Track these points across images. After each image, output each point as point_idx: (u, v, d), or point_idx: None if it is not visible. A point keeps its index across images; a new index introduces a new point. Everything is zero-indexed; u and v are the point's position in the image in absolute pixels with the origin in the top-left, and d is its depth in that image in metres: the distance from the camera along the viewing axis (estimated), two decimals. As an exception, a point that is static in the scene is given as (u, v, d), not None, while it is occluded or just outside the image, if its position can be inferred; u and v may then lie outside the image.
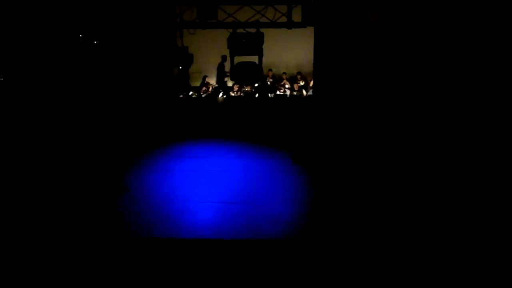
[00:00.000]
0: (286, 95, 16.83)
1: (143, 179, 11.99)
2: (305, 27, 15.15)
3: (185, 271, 8.07)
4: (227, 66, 15.81)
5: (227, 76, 15.99)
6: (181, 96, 16.99)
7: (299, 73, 17.44)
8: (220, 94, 16.29)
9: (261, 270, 8.17)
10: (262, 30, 15.18)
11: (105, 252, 8.58)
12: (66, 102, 14.04)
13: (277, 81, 17.69)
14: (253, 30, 15.17)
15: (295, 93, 17.12)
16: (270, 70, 16.68)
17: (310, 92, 16.89)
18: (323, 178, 11.87)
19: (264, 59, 15.55)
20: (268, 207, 10.39)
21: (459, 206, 10.02)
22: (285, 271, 8.15)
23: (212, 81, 17.36)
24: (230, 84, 16.72)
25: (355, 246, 8.88)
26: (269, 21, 15.24)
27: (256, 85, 16.93)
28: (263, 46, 15.26)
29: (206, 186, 11.43)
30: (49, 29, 13.47)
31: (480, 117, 11.02)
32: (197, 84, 17.43)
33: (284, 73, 16.89)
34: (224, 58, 15.55)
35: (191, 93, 17.25)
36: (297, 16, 15.19)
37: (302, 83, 17.27)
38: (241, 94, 17.10)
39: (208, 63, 16.36)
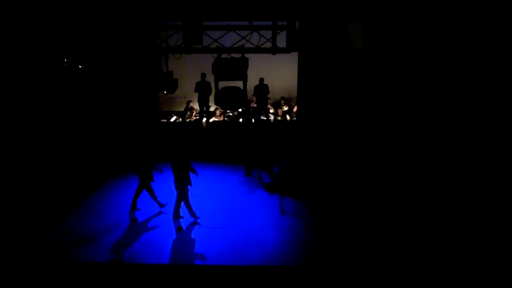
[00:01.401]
0: (270, 120, 16.86)
1: (124, 202, 11.88)
2: (290, 52, 15.29)
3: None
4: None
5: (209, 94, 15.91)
6: (165, 120, 16.96)
7: (283, 98, 17.49)
8: (204, 120, 16.28)
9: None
10: (246, 55, 15.29)
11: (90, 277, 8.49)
12: (51, 124, 13.96)
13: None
14: (238, 55, 15.28)
15: (279, 118, 17.16)
16: (254, 95, 16.72)
17: (294, 117, 16.95)
18: (305, 205, 11.89)
19: (248, 85, 15.65)
20: (253, 233, 10.38)
21: (448, 213, 10.12)
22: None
23: (196, 105, 17.33)
24: (213, 108, 16.73)
25: (343, 270, 8.89)
26: (254, 46, 15.37)
27: (240, 110, 16.97)
28: (248, 71, 15.37)
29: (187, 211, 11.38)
30: (34, 53, 13.42)
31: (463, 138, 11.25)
32: (181, 108, 17.39)
33: (268, 98, 16.93)
34: (203, 76, 15.56)
35: (174, 117, 17.21)
36: (281, 42, 15.34)
37: (286, 108, 17.33)
38: (225, 118, 17.11)
39: (193, 88, 16.34)
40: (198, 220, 10.76)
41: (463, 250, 9.04)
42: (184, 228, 10.50)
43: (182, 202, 10.62)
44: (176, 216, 10.73)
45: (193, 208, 10.78)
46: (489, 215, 9.94)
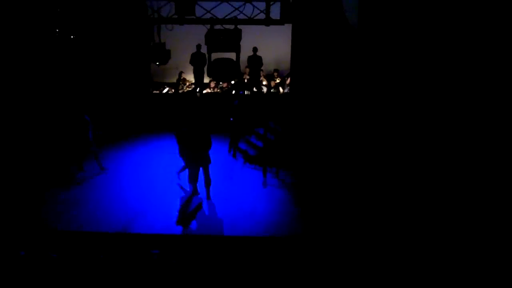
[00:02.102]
0: (263, 92, 16.84)
1: (119, 172, 11.95)
2: (283, 24, 15.21)
3: (162, 266, 8.05)
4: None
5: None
6: (157, 92, 16.90)
7: (276, 70, 17.45)
8: (198, 90, 16.23)
9: (240, 267, 8.21)
10: (240, 26, 15.20)
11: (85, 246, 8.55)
12: (42, 94, 13.91)
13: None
14: (231, 27, 15.18)
15: (272, 90, 17.14)
16: (247, 67, 16.67)
17: (286, 90, 16.93)
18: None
19: (242, 56, 15.59)
20: (243, 204, 10.48)
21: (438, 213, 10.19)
22: (263, 267, 8.20)
23: (188, 77, 17.26)
24: (206, 80, 16.66)
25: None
26: (247, 17, 15.27)
27: (233, 82, 16.93)
28: (241, 43, 15.30)
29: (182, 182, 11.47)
30: (26, 23, 13.29)
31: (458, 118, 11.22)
32: (174, 80, 17.32)
33: (262, 70, 16.88)
34: (198, 47, 15.46)
35: (167, 89, 17.15)
36: (275, 13, 15.24)
37: (278, 81, 17.30)
38: (218, 90, 17.07)
39: (185, 59, 16.26)
40: (187, 191, 10.85)
41: (461, 246, 9.11)
42: (172, 198, 10.61)
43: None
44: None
45: (186, 180, 10.86)
46: (489, 215, 9.99)
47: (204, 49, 15.58)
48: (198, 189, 10.66)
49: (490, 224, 9.42)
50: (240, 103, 13.14)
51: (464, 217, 9.75)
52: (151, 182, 11.46)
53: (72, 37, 14.03)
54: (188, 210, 10.06)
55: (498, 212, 9.66)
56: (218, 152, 11.23)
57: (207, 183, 10.60)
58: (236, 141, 13.29)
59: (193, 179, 10.51)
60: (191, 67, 16.18)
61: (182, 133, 10.41)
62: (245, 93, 16.35)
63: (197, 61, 15.86)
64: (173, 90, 16.99)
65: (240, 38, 15.18)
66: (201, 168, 10.45)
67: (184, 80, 17.42)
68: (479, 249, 8.84)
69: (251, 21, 15.27)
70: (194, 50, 15.82)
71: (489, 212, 9.68)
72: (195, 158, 10.34)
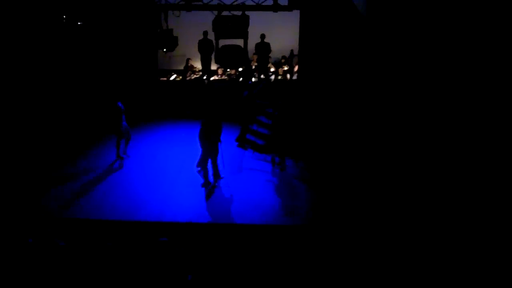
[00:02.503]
0: (271, 79, 16.74)
1: (127, 160, 11.94)
2: (291, 10, 15.06)
3: (168, 253, 8.05)
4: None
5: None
6: (164, 79, 16.84)
7: (284, 57, 17.33)
8: (205, 77, 16.15)
9: (244, 254, 8.20)
10: (247, 13, 15.06)
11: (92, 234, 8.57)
12: (50, 81, 13.91)
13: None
14: (239, 13, 15.05)
15: (279, 78, 17.03)
16: (255, 54, 16.55)
17: (294, 77, 16.82)
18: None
19: (249, 43, 15.45)
20: (251, 193, 10.46)
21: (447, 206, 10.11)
22: (268, 256, 8.19)
23: (196, 64, 17.18)
24: (214, 67, 16.57)
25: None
26: (255, 3, 15.12)
27: (240, 69, 16.83)
28: (249, 30, 15.17)
29: (188, 170, 11.45)
30: (33, 10, 13.25)
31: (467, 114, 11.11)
32: (181, 67, 17.24)
33: (269, 57, 16.76)
34: (205, 34, 15.33)
35: (174, 76, 17.08)
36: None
37: (286, 68, 17.19)
38: (226, 77, 16.98)
39: (193, 46, 16.15)
40: (196, 179, 10.84)
41: (461, 244, 9.06)
42: (180, 186, 10.59)
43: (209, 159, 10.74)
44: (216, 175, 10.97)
45: (189, 167, 10.96)
46: (489, 215, 9.93)
47: (211, 36, 15.45)
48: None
49: (491, 224, 9.40)
50: (249, 93, 13.05)
51: (468, 217, 9.73)
52: (160, 170, 11.45)
53: (79, 23, 13.96)
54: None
55: (498, 212, 9.64)
56: (227, 142, 11.18)
57: (216, 175, 10.79)
58: (245, 132, 13.21)
59: (205, 168, 10.60)
60: (199, 54, 16.08)
61: (204, 122, 10.46)
62: (253, 80, 16.26)
63: (204, 48, 15.74)
64: (180, 77, 16.91)
65: (248, 24, 15.02)
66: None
67: (192, 67, 17.34)
68: (481, 249, 8.81)
69: (259, 7, 15.11)
70: (202, 37, 15.71)
71: (491, 212, 9.67)
72: (211, 147, 10.42)
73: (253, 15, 15.11)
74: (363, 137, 12.89)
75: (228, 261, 7.96)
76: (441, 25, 12.26)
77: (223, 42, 15.37)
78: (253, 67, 17.02)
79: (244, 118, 13.05)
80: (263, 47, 15.97)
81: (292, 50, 16.86)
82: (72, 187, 10.52)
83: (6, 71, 13.02)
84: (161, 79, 16.69)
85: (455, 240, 8.84)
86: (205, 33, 15.55)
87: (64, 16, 13.72)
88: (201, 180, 10.77)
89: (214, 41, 15.37)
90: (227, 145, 11.50)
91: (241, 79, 16.65)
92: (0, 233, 8.27)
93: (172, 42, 15.12)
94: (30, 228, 8.54)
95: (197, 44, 15.83)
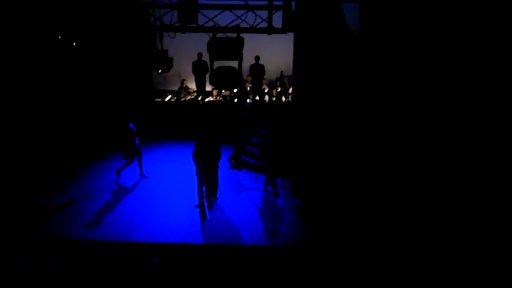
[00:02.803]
0: (265, 100, 16.84)
1: (120, 179, 11.91)
2: (286, 32, 15.21)
3: (161, 274, 8.00)
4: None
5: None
6: (159, 99, 16.90)
7: (278, 79, 17.44)
8: (200, 98, 16.22)
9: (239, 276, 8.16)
10: (242, 35, 15.20)
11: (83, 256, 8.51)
12: (43, 100, 13.90)
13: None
14: (234, 35, 15.19)
15: (274, 99, 17.13)
16: (249, 75, 16.66)
17: (289, 99, 16.92)
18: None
19: (244, 65, 15.57)
20: (245, 213, 10.44)
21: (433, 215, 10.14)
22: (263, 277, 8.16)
23: (191, 84, 17.27)
24: (209, 88, 16.66)
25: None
26: (249, 26, 15.27)
27: (235, 90, 16.92)
28: (243, 51, 15.30)
29: (182, 190, 11.45)
30: (28, 30, 13.30)
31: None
32: (176, 88, 17.32)
33: (264, 78, 16.87)
34: (199, 55, 15.43)
35: (169, 97, 17.15)
36: (277, 22, 15.25)
37: (280, 89, 17.29)
38: (220, 98, 17.06)
39: (188, 67, 16.27)
40: (190, 199, 10.81)
41: (460, 246, 9.08)
42: (174, 206, 10.58)
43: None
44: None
45: (183, 187, 10.94)
46: (489, 215, 9.97)
47: (206, 57, 15.57)
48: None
49: (490, 224, 9.44)
50: (247, 114, 13.10)
51: (464, 218, 9.76)
52: (153, 191, 11.41)
53: (74, 44, 14.03)
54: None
55: (498, 212, 9.68)
56: (221, 162, 11.18)
57: (214, 195, 10.71)
58: (239, 152, 13.21)
59: (200, 189, 10.54)
60: (194, 75, 16.19)
61: (198, 143, 10.44)
62: (248, 101, 16.35)
63: (199, 69, 15.84)
64: (175, 98, 16.98)
65: (242, 46, 15.18)
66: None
67: (187, 88, 17.42)
68: (480, 250, 8.83)
69: (253, 29, 15.27)
70: (196, 58, 15.83)
71: (489, 212, 9.71)
72: (207, 169, 10.39)
73: (247, 37, 15.27)
74: (358, 157, 12.93)
75: (221, 282, 7.93)
76: (433, 47, 12.42)
77: (218, 64, 15.50)
78: (248, 88, 17.12)
79: (240, 138, 13.08)
80: (258, 69, 16.08)
81: (282, 72, 17.01)
82: (65, 208, 10.45)
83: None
84: (156, 99, 16.75)
85: (453, 249, 8.85)
86: (200, 55, 15.67)
87: (60, 37, 13.80)
88: (196, 201, 10.74)
89: (208, 63, 15.48)
90: (221, 165, 11.48)
91: (236, 100, 16.74)
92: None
93: (167, 63, 15.23)
94: (23, 249, 8.48)
95: (191, 65, 15.94)
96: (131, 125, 11.63)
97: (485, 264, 8.38)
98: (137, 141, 11.74)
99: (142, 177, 12.12)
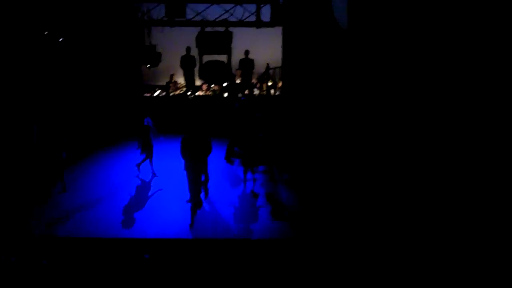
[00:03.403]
0: (255, 94, 16.82)
1: (110, 177, 11.86)
2: (274, 26, 15.20)
3: (154, 271, 7.99)
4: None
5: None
6: (148, 94, 16.82)
7: (267, 72, 17.41)
8: (189, 93, 16.16)
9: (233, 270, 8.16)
10: (230, 29, 15.17)
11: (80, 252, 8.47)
12: (31, 97, 13.77)
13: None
14: (222, 29, 15.14)
15: (263, 93, 17.11)
16: (238, 69, 16.62)
17: (278, 92, 16.91)
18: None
19: (233, 59, 15.55)
20: (236, 208, 10.44)
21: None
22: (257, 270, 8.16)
23: (180, 79, 17.20)
24: (198, 83, 16.61)
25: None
26: (237, 20, 15.24)
27: (225, 84, 16.88)
28: (232, 45, 15.27)
29: (173, 186, 11.44)
30: (13, 25, 13.16)
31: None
32: (164, 83, 17.25)
33: (253, 72, 16.83)
34: (188, 49, 15.33)
35: (158, 91, 17.07)
36: (266, 16, 15.23)
37: (270, 83, 17.27)
38: (210, 93, 17.02)
39: (176, 62, 16.20)
40: (181, 195, 10.80)
41: (460, 246, 9.12)
42: (165, 202, 10.55)
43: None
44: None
45: (175, 183, 10.91)
46: (489, 215, 10.01)
47: (194, 52, 15.51)
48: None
49: (490, 225, 9.46)
50: (240, 106, 13.05)
51: (464, 219, 9.79)
52: (143, 187, 11.39)
53: (61, 39, 13.91)
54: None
55: (498, 212, 9.71)
56: (212, 156, 11.14)
57: (205, 190, 10.66)
58: (232, 145, 13.13)
59: (192, 185, 10.45)
60: (182, 70, 16.13)
61: (185, 138, 10.34)
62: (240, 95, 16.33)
63: (187, 64, 15.77)
64: (164, 93, 16.91)
65: (231, 40, 15.16)
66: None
67: (176, 83, 17.35)
68: (480, 250, 8.86)
69: (241, 23, 15.25)
70: (185, 53, 15.75)
71: (489, 213, 9.73)
72: (195, 164, 10.29)
73: (236, 31, 15.24)
74: (347, 149, 12.96)
75: (214, 277, 7.93)
76: (422, 37, 12.43)
77: (207, 58, 15.46)
78: (237, 82, 17.10)
79: (234, 130, 12.95)
80: (247, 63, 16.05)
81: (268, 64, 17.00)
82: (54, 205, 10.39)
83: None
84: (145, 94, 16.68)
85: (454, 249, 8.90)
86: (188, 49, 15.59)
87: (46, 32, 13.68)
88: (187, 196, 10.72)
89: (197, 57, 15.43)
90: (213, 158, 11.45)
91: (225, 94, 16.70)
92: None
93: (155, 58, 15.18)
94: (13, 246, 8.43)
95: (179, 60, 15.87)
96: (148, 119, 11.68)
97: (485, 264, 8.44)
98: (151, 136, 11.73)
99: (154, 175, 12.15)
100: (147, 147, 11.64)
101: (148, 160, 11.85)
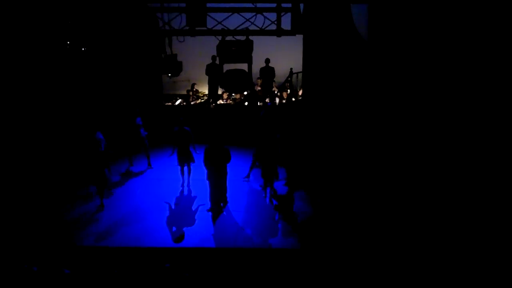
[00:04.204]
0: (275, 103, 16.76)
1: (131, 186, 11.91)
2: (295, 35, 15.14)
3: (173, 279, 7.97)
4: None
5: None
6: (169, 104, 16.87)
7: (288, 80, 17.36)
8: (211, 101, 16.17)
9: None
10: (251, 37, 15.16)
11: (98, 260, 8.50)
12: (53, 107, 13.94)
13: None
14: (243, 38, 15.14)
15: (284, 101, 17.06)
16: (259, 78, 16.60)
17: (298, 100, 16.84)
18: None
19: (253, 67, 15.52)
20: (251, 217, 10.41)
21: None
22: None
23: (201, 88, 17.25)
24: (220, 91, 16.62)
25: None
26: (258, 28, 15.22)
27: (246, 93, 16.88)
28: (253, 54, 15.25)
29: (194, 194, 11.46)
30: (37, 36, 13.35)
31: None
32: (185, 92, 17.30)
33: (274, 81, 16.82)
34: (213, 58, 15.33)
35: (179, 101, 17.13)
36: (286, 24, 15.19)
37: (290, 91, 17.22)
38: (231, 102, 17.02)
39: (197, 71, 16.25)
40: (199, 203, 10.84)
41: (461, 248, 9.02)
42: (186, 211, 10.60)
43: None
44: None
45: (195, 191, 11.27)
46: (490, 215, 9.92)
47: (217, 60, 15.56)
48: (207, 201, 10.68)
49: (494, 226, 9.41)
50: (266, 113, 12.98)
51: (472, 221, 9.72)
52: (164, 196, 11.41)
53: (83, 49, 14.06)
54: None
55: (499, 212, 9.65)
56: (233, 165, 11.11)
57: (224, 199, 10.70)
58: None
59: (212, 194, 10.51)
60: (203, 79, 16.17)
61: (208, 148, 10.40)
62: (258, 104, 16.29)
63: (212, 72, 15.79)
64: (185, 103, 16.95)
65: (251, 49, 15.14)
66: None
67: (197, 91, 17.40)
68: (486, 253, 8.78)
69: (262, 32, 15.22)
70: (206, 61, 15.78)
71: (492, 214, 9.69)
72: (217, 173, 10.36)
73: (257, 40, 15.22)
74: (367, 160, 12.85)
75: (233, 286, 7.90)
76: (441, 48, 12.36)
77: (227, 67, 15.47)
78: (258, 91, 17.09)
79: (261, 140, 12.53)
80: (268, 71, 16.02)
81: (291, 69, 16.96)
82: (76, 214, 10.47)
83: (12, 97, 13.08)
84: (166, 104, 16.74)
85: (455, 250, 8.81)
86: (214, 58, 15.59)
87: (68, 42, 13.84)
88: (207, 205, 10.72)
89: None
90: (233, 168, 11.42)
91: (246, 103, 16.69)
92: (4, 261, 8.20)
93: (176, 67, 15.20)
94: (35, 256, 8.49)
95: (201, 69, 15.91)
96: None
97: (486, 264, 8.37)
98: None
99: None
100: (186, 154, 11.75)
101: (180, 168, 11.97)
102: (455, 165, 11.48)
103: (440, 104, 12.27)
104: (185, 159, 11.72)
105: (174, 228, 9.80)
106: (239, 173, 12.47)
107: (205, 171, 10.56)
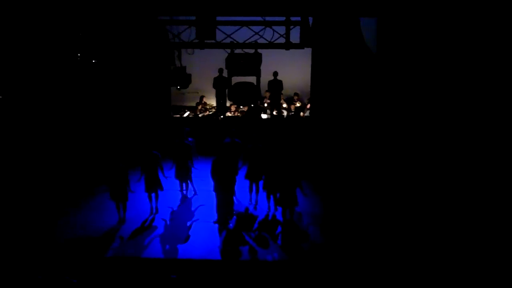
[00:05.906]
0: (283, 116, 16.79)
1: (139, 198, 11.91)
2: (303, 48, 15.21)
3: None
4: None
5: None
6: (178, 116, 16.94)
7: (296, 94, 17.42)
8: (219, 114, 16.22)
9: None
10: (260, 50, 15.24)
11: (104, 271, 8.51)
12: (64, 118, 14.04)
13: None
14: (251, 51, 15.23)
15: (291, 114, 17.08)
16: (267, 91, 16.66)
17: (307, 114, 16.86)
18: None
19: (262, 80, 15.58)
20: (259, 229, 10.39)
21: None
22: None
23: (209, 101, 17.33)
24: (228, 104, 16.69)
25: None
26: (267, 42, 15.31)
27: (253, 105, 16.93)
28: (261, 67, 15.33)
29: (201, 205, 11.51)
30: (48, 48, 13.49)
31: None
32: (194, 104, 17.37)
33: (282, 94, 16.86)
34: (220, 71, 15.42)
35: (188, 113, 17.19)
36: (295, 37, 15.26)
37: (298, 104, 17.25)
38: (239, 114, 17.07)
39: (206, 83, 16.35)
40: (203, 216, 10.85)
41: (462, 249, 8.99)
42: (193, 222, 10.63)
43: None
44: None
45: (202, 203, 11.19)
46: (490, 215, 9.90)
47: (225, 73, 15.64)
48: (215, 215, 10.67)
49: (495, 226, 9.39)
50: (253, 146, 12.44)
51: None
52: (171, 207, 11.42)
53: (93, 61, 14.19)
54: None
55: (500, 213, 9.63)
56: (240, 178, 11.12)
57: (230, 211, 10.64)
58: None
59: (220, 207, 10.49)
60: (212, 91, 16.26)
61: (215, 160, 10.40)
62: (264, 116, 16.33)
63: (219, 85, 15.89)
64: (193, 114, 17.01)
65: (260, 62, 15.21)
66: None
67: (205, 104, 17.47)
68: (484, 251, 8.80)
69: (271, 45, 15.31)
70: (214, 74, 15.88)
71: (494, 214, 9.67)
72: (224, 186, 10.35)
73: (265, 53, 15.30)
74: (376, 173, 12.83)
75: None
76: (450, 61, 12.37)
77: (236, 80, 15.55)
78: (266, 104, 17.13)
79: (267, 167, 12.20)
80: (276, 84, 16.09)
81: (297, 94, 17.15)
82: (83, 224, 10.49)
83: (22, 107, 13.21)
84: (174, 116, 16.81)
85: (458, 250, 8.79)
86: (221, 70, 15.70)
87: (79, 54, 13.98)
88: (214, 217, 10.71)
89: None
90: (240, 181, 11.42)
91: (249, 116, 16.72)
92: (9, 270, 8.23)
93: (185, 80, 15.30)
94: (40, 264, 8.51)
95: (210, 81, 16.00)
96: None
97: (487, 264, 8.39)
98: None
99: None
100: (185, 168, 11.67)
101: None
102: (459, 172, 11.50)
103: (451, 116, 12.29)
104: (183, 174, 11.79)
105: (180, 240, 9.80)
106: (245, 184, 12.48)
107: (212, 182, 10.56)
